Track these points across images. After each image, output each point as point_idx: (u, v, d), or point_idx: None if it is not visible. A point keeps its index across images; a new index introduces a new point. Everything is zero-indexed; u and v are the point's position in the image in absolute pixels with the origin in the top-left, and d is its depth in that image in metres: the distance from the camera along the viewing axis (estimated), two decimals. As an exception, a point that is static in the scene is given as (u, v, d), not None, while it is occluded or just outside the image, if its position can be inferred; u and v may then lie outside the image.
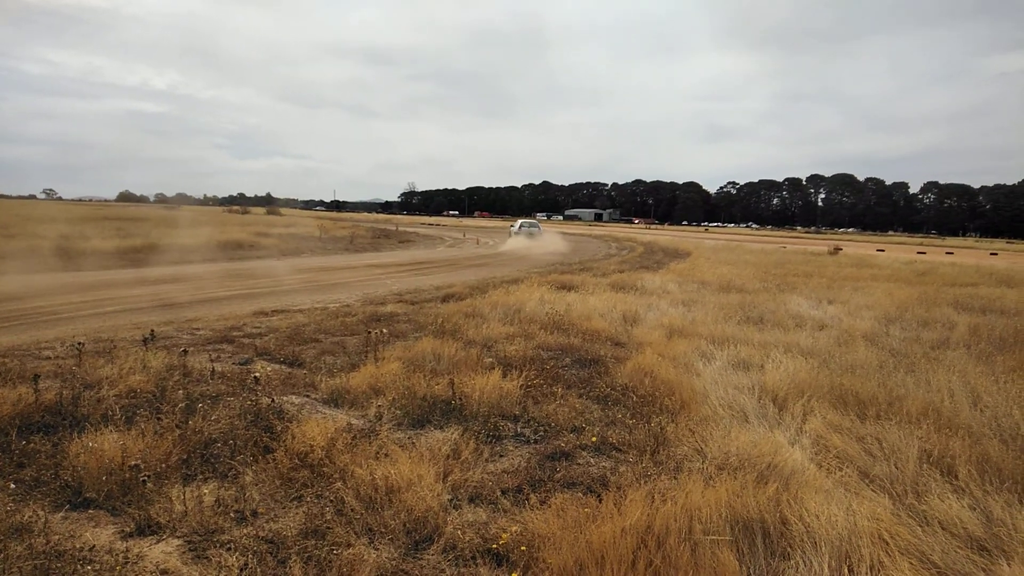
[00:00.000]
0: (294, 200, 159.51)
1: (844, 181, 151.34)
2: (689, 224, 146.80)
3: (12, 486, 4.17)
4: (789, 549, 3.67)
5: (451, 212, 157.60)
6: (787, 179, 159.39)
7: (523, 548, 3.63)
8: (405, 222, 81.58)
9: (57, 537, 3.59)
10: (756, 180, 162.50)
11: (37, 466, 4.44)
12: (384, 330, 8.68)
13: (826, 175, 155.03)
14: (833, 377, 7.02)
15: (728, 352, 8.38)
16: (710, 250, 35.47)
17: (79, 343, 7.04)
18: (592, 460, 5.06)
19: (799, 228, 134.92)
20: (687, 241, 48.42)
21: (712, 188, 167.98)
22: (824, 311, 12.69)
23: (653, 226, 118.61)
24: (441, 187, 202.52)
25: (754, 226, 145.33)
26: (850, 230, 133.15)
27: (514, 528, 3.85)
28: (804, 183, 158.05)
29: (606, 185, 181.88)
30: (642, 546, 3.50)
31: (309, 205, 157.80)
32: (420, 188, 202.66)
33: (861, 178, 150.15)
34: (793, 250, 38.34)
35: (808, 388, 6.61)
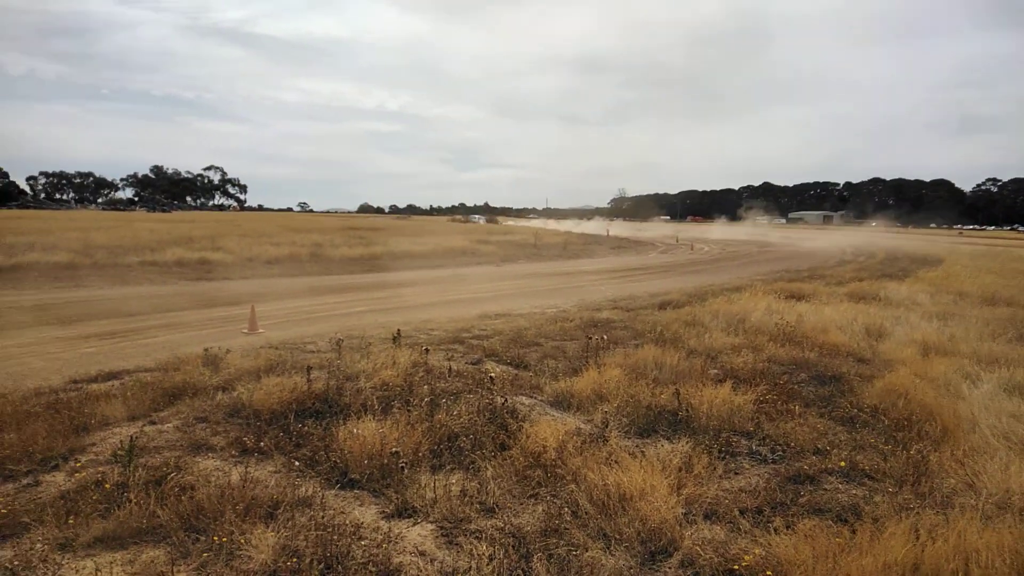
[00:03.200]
0: (509, 208, 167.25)
1: None
2: (938, 227, 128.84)
3: (296, 463, 4.82)
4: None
5: (663, 216, 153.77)
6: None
7: (768, 573, 3.42)
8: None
9: (331, 512, 4.08)
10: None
11: (311, 447, 5.09)
12: (603, 336, 8.74)
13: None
14: None
15: (999, 374, 7.25)
16: (967, 256, 31.08)
17: (339, 339, 7.98)
18: (840, 486, 4.63)
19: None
20: (937, 246, 42.90)
21: (966, 186, 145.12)
22: None
23: (895, 228, 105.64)
24: (651, 191, 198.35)
25: (1021, 229, 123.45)
26: None
27: (757, 551, 3.64)
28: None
29: (837, 185, 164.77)
30: (912, 588, 3.12)
31: (523, 213, 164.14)
32: (630, 193, 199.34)
33: None
34: (1077, 256, 32.06)
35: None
